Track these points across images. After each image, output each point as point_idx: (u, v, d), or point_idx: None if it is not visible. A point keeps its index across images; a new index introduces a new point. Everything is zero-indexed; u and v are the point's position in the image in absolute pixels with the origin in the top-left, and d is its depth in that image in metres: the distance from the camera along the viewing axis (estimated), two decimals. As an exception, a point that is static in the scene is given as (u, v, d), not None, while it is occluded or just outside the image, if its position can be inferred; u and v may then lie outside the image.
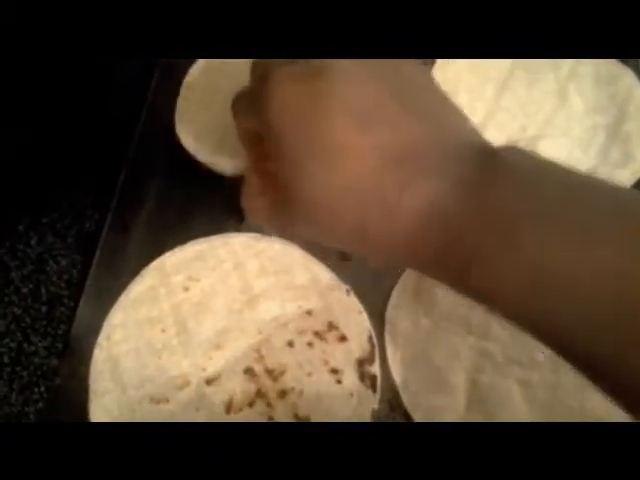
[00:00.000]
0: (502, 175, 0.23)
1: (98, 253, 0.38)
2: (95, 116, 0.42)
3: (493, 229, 0.22)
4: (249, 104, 0.27)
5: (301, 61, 0.25)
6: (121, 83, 0.44)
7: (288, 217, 0.27)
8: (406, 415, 0.36)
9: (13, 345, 0.36)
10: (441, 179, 0.23)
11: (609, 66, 0.43)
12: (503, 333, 0.37)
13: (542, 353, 0.36)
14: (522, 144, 0.42)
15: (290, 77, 0.24)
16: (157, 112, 0.42)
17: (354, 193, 0.24)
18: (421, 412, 0.35)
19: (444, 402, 0.35)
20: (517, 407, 0.35)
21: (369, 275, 0.39)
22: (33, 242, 0.39)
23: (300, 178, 0.24)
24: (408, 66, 0.26)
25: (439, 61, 0.44)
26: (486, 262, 0.22)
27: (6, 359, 0.36)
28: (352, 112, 0.24)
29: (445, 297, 0.38)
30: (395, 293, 0.38)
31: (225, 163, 0.38)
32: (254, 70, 0.28)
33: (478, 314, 0.37)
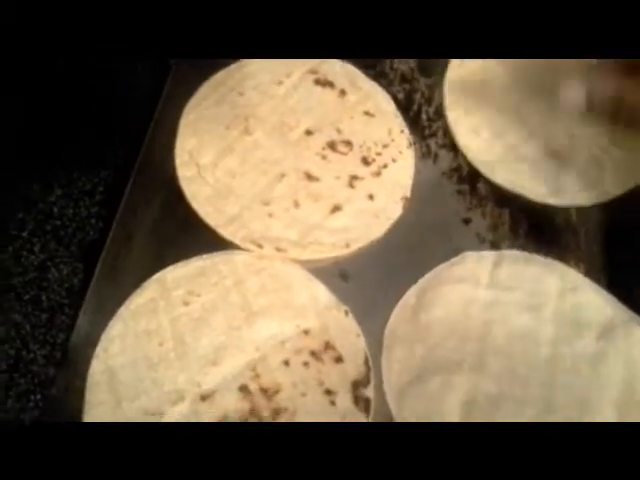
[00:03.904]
0: None
1: (100, 262, 0.38)
2: (104, 126, 0.42)
3: None
4: None
5: None
6: (133, 97, 0.44)
7: None
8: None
9: (12, 352, 0.36)
10: None
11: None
12: (496, 366, 0.37)
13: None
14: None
15: None
16: (164, 126, 0.42)
17: None
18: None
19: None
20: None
21: (368, 297, 0.39)
22: (36, 249, 0.39)
23: None
24: None
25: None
26: None
27: (4, 366, 0.36)
28: None
29: (441, 324, 0.38)
30: (393, 317, 0.38)
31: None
32: None
33: (472, 344, 0.37)
